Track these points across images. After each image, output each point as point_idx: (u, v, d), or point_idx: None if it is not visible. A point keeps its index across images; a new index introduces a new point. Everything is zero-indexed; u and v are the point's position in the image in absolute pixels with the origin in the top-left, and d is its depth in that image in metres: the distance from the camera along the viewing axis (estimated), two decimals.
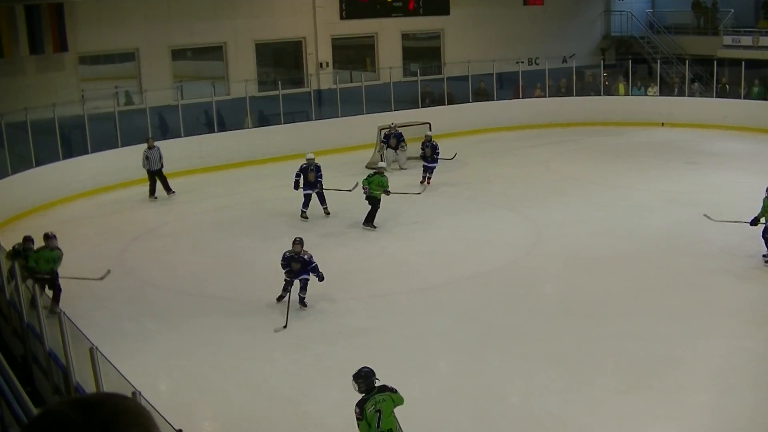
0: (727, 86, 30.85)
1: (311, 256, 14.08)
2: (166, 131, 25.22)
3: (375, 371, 8.85)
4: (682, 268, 15.69)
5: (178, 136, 24.77)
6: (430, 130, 24.21)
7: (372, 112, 27.70)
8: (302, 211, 19.42)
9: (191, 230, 19.34)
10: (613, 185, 22.22)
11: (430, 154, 22.28)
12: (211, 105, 25.60)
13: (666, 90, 32.07)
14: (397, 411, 9.62)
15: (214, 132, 25.83)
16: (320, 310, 14.18)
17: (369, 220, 18.55)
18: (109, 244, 18.17)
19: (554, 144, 27.52)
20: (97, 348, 8.77)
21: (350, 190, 19.80)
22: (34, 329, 11.54)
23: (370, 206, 18.62)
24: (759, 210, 15.71)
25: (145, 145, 21.93)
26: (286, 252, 14.10)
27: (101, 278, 14.83)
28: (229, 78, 27.93)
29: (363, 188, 18.63)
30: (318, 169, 19.40)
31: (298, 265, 13.92)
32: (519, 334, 12.97)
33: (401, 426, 8.89)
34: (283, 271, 14.08)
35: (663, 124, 30.63)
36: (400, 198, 19.81)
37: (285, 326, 13.28)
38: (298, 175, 19.42)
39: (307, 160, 19.53)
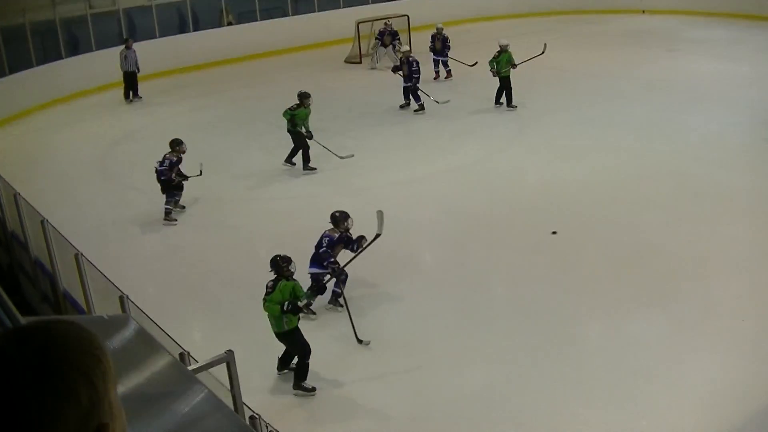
0: None
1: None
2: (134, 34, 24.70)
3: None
4: (662, 156, 15.68)
5: (153, 37, 24.40)
6: (409, 23, 23.98)
7: (349, 6, 27.32)
8: (404, 104, 19.71)
9: (171, 132, 19.04)
10: (594, 74, 22.11)
11: (440, 48, 22.07)
12: (185, 4, 25.16)
13: None
14: (386, 303, 9.71)
15: (189, 32, 25.39)
16: (301, 206, 14.19)
17: (506, 100, 19.10)
18: (88, 149, 18.05)
19: (534, 33, 27.18)
20: (82, 254, 8.80)
21: (439, 102, 19.59)
22: (19, 238, 11.56)
23: (501, 85, 19.05)
24: None
25: (122, 47, 21.67)
26: (334, 235, 10.58)
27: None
28: None
29: (490, 70, 18.89)
30: (413, 64, 19.21)
31: (341, 246, 10.73)
32: (502, 225, 13.00)
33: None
34: (329, 266, 10.36)
35: (644, 12, 30.35)
36: (379, 90, 19.71)
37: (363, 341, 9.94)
38: (395, 69, 20.00)
39: (402, 52, 20.14)
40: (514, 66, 18.91)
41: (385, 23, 24.22)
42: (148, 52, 22.92)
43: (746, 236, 12.26)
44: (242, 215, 14.10)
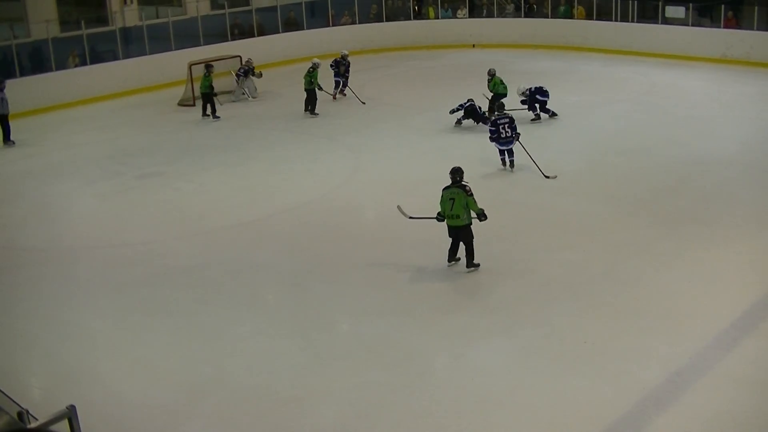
0: (535, 6, 31.95)
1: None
2: None
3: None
4: (500, 186, 16.25)
5: None
6: (242, 63, 24.23)
7: (181, 48, 27.19)
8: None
9: (0, 181, 18.57)
10: (428, 108, 22.66)
11: (343, 72, 24.30)
12: (10, 48, 24.50)
13: (475, 12, 32.83)
14: (230, 345, 9.66)
15: (15, 77, 24.63)
16: (141, 252, 14.00)
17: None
18: None
19: (368, 70, 27.78)
20: None
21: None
22: None
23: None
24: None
25: None
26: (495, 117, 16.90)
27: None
28: (29, 19, 26.67)
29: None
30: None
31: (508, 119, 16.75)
32: (341, 262, 13.17)
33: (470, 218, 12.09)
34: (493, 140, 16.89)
35: (474, 46, 31.45)
36: (213, 132, 19.68)
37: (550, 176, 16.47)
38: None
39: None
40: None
41: (246, 61, 25.09)
42: None
43: (584, 260, 12.83)
44: (79, 264, 13.77)
